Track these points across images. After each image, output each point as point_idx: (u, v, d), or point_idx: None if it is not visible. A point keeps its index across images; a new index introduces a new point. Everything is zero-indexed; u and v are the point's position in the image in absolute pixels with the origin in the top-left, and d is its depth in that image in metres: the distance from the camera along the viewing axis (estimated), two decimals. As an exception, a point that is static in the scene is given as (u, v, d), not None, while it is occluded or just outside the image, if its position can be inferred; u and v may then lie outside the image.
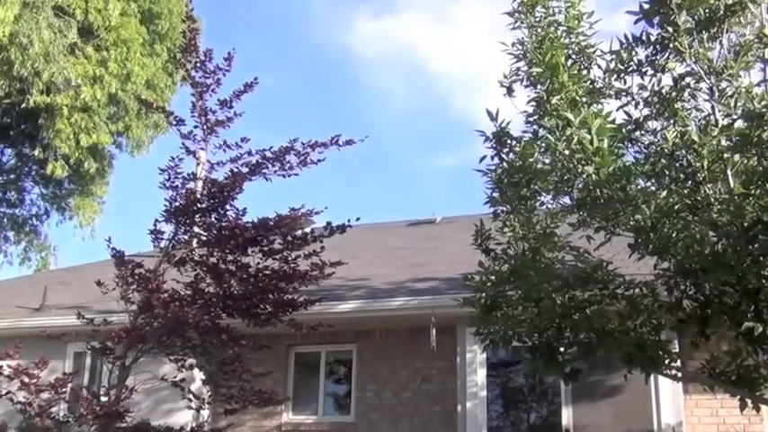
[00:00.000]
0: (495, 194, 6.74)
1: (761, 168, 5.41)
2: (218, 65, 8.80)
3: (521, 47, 6.67)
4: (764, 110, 5.34)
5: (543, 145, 6.36)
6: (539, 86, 6.42)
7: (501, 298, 6.62)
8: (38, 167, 22.53)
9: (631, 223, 5.84)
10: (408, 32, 37.54)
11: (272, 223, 8.51)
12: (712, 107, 5.85)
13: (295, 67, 39.22)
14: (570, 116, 5.75)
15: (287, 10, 37.96)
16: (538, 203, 6.70)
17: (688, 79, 5.96)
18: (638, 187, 5.94)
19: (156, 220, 8.70)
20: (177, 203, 8.68)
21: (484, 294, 6.71)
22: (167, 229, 8.82)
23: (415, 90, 40.32)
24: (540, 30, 6.59)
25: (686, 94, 6.04)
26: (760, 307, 5.51)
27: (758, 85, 5.78)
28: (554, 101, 6.18)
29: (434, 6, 37.95)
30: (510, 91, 6.76)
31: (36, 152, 20.70)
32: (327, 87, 39.95)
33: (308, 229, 9.26)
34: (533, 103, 6.54)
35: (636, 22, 5.91)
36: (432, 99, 39.99)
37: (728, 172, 5.64)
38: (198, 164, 9.61)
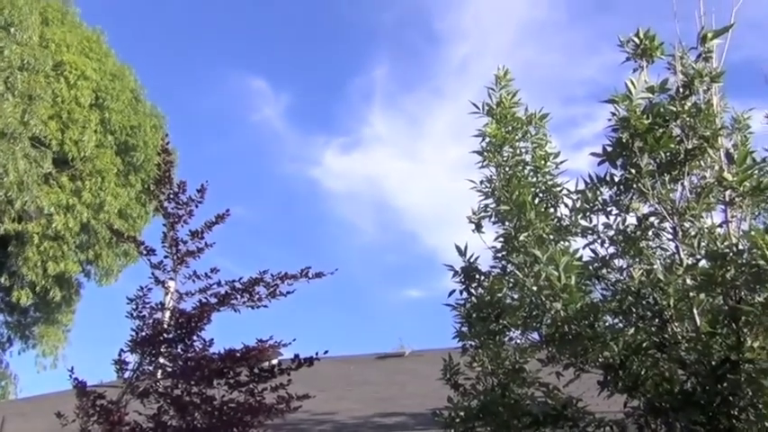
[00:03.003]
0: (464, 329, 6.68)
1: (726, 308, 5.42)
2: (191, 196, 8.80)
3: (489, 184, 6.82)
4: (727, 250, 5.41)
5: (511, 281, 6.37)
6: (507, 223, 6.52)
7: (471, 435, 6.43)
8: (3, 295, 22.10)
9: (600, 360, 5.77)
10: (375, 168, 38.31)
11: (238, 355, 8.29)
12: (676, 247, 5.90)
13: (265, 198, 39.66)
14: (538, 253, 5.77)
15: (260, 144, 38.71)
16: (507, 339, 6.64)
17: (652, 219, 6.04)
18: (606, 324, 5.91)
19: (121, 350, 8.45)
20: (143, 333, 8.46)
21: (453, 431, 6.52)
22: (132, 359, 8.56)
23: (381, 223, 40.79)
24: (507, 168, 6.76)
25: (650, 234, 6.10)
26: (732, 447, 5.39)
27: (720, 226, 5.87)
28: (522, 238, 6.24)
29: (401, 143, 38.98)
30: (478, 227, 6.86)
31: (2, 279, 20.35)
32: (296, 219, 40.30)
33: (275, 361, 9.04)
34: (501, 240, 6.60)
35: (599, 163, 6.05)
36: (398, 232, 40.43)
37: (695, 311, 5.63)
38: (166, 294, 9.45)
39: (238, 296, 8.51)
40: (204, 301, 8.48)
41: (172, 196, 8.83)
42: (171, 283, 8.97)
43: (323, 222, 40.99)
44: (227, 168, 37.96)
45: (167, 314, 8.93)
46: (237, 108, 39.65)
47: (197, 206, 8.84)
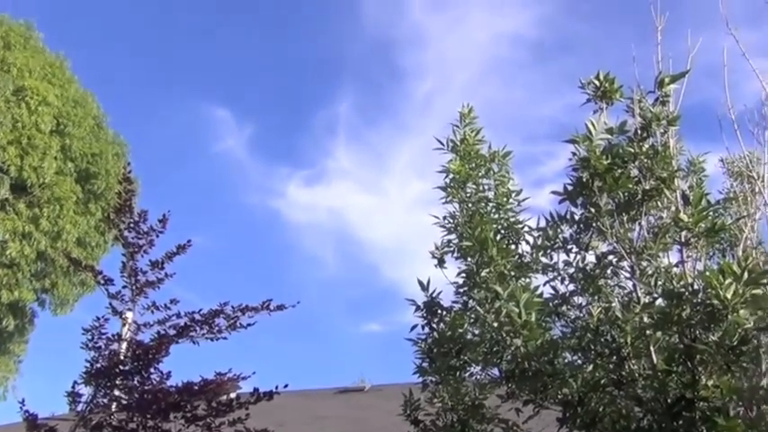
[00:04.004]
0: (425, 364, 6.72)
1: (682, 346, 5.54)
2: (152, 226, 8.75)
3: (452, 220, 6.93)
4: (683, 290, 5.54)
5: (473, 316, 6.46)
6: (469, 259, 6.59)
7: (430, 471, 6.45)
8: (-46, 323, 21.62)
9: (559, 397, 5.84)
10: (338, 201, 38.37)
11: (196, 388, 8.21)
12: (634, 285, 6.01)
13: (227, 229, 39.41)
14: (499, 289, 5.86)
15: (223, 175, 38.61)
16: (467, 374, 6.69)
17: (610, 257, 6.14)
18: (565, 361, 6.00)
19: (75, 382, 8.32)
20: (98, 365, 8.35)
21: (412, 467, 6.54)
22: (86, 391, 8.43)
23: (343, 256, 40.74)
24: (470, 205, 6.87)
25: (609, 272, 6.21)
26: (688, 486, 5.47)
27: (676, 265, 6.01)
28: (483, 273, 6.33)
29: (364, 177, 39.08)
30: (441, 262, 6.95)
31: (-47, 307, 19.97)
32: (259, 251, 40.11)
33: (233, 395, 8.97)
34: (463, 275, 6.68)
35: (560, 202, 6.18)
36: (360, 265, 40.40)
37: (651, 348, 5.73)
38: (124, 324, 9.34)
39: (198, 328, 8.45)
40: (162, 332, 8.40)
41: (132, 225, 8.77)
42: (129, 314, 8.88)
43: (285, 254, 40.88)
44: (190, 198, 37.72)
45: (124, 345, 8.83)
46: (200, 137, 39.58)
47: (158, 236, 8.79)
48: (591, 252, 6.26)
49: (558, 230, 6.35)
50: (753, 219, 7.02)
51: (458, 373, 6.60)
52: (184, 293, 8.98)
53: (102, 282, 8.76)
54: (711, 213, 5.77)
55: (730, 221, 6.98)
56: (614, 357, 5.93)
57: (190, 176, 38.18)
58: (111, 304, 8.61)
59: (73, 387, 8.33)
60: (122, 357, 8.50)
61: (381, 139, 36.96)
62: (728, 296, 5.06)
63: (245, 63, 37.77)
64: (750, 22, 7.29)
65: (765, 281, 5.29)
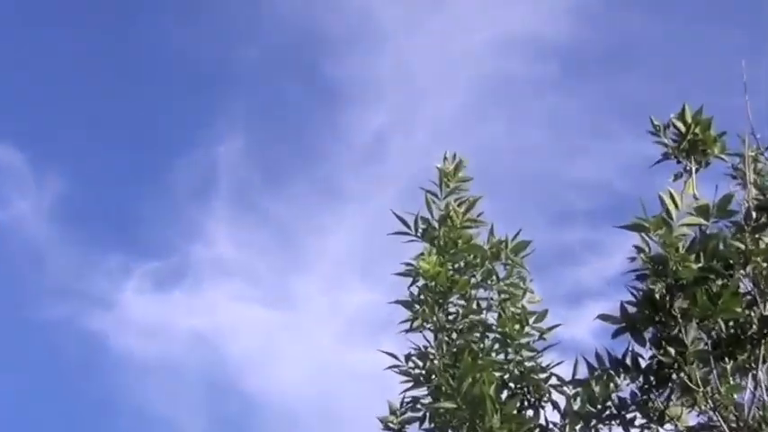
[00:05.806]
0: None
1: None
2: None
3: (421, 362, 6.79)
4: None
5: None
6: None
7: None
8: None
9: None
10: (212, 319, 37.59)
11: None
12: (744, 489, 5.90)
13: (13, 365, 38.80)
14: None
15: (3, 261, 38.09)
16: None
17: (704, 437, 6.08)
18: None
19: None
20: None
21: None
22: None
23: (219, 421, 40.29)
24: (455, 335, 6.75)
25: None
26: None
27: None
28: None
29: (259, 275, 38.33)
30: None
31: None
32: (67, 403, 39.44)
33: None
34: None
35: (614, 335, 6.05)
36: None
37: None
38: None
39: None
40: None
41: None
42: None
43: (116, 412, 40.08)
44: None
45: None
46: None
47: None
48: (670, 426, 6.13)
49: (612, 386, 6.22)
50: None
51: None
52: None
53: None
54: None
55: None
56: None
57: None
58: None
59: None
60: None
61: (292, 207, 36.57)
62: None
63: (59, 77, 37.51)
64: None
65: None
